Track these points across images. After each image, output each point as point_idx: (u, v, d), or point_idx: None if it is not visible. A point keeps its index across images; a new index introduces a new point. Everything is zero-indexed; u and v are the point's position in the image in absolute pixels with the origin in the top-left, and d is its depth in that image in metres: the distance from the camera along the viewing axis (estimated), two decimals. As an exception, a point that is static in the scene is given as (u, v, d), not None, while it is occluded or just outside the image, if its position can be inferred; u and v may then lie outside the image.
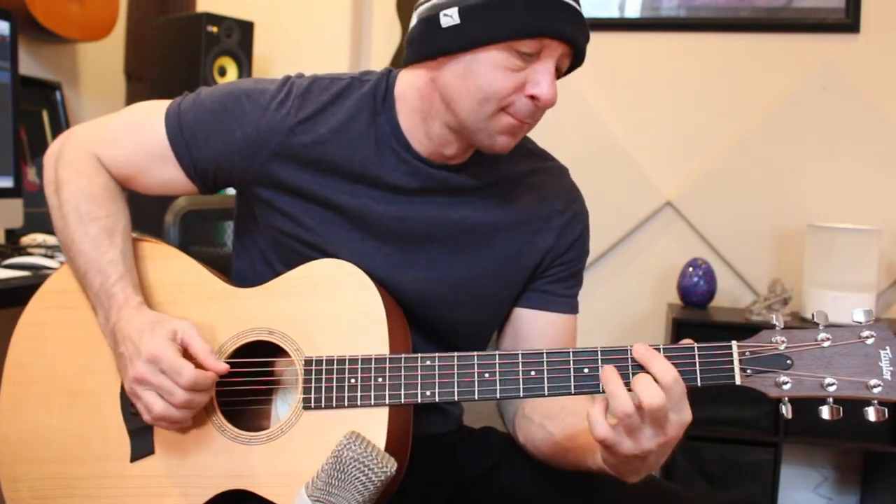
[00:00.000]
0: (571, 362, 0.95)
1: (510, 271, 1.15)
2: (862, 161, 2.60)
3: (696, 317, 2.50)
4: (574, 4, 0.99)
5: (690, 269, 2.58)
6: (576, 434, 1.04)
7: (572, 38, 0.99)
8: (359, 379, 0.99)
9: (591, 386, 0.94)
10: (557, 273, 1.17)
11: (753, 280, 2.69)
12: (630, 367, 0.92)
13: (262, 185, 1.10)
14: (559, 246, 1.16)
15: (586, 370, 0.94)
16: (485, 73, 0.99)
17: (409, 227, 1.10)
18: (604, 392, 0.92)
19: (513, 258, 1.14)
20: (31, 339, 1.14)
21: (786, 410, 0.91)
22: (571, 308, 1.19)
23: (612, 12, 2.77)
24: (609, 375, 0.90)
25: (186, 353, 0.99)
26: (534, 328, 1.17)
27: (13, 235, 2.05)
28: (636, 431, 0.88)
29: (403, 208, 1.09)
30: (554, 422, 1.08)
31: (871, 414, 0.89)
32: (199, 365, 0.98)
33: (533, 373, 0.96)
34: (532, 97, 0.99)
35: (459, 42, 0.99)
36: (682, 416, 0.88)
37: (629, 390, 0.89)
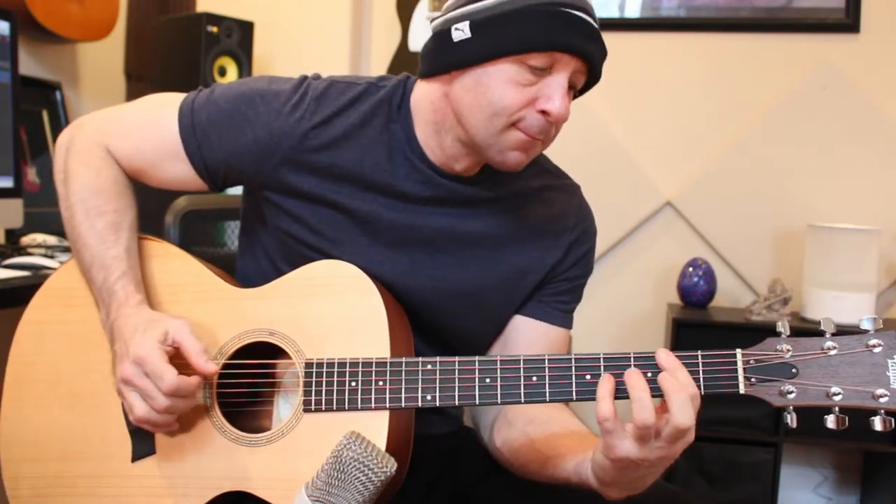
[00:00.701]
0: (573, 368, 0.94)
1: (516, 285, 1.14)
2: (862, 161, 2.60)
3: (696, 317, 2.50)
4: (587, 18, 0.98)
5: (690, 269, 2.58)
6: (558, 441, 1.02)
7: (584, 52, 0.98)
8: (359, 382, 0.99)
9: (592, 392, 0.92)
10: (559, 286, 1.17)
11: (753, 280, 2.69)
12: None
13: (272, 187, 1.10)
14: (565, 262, 1.16)
15: (588, 377, 0.93)
16: (495, 86, 0.98)
17: (418, 236, 1.09)
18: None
19: (520, 272, 1.14)
20: (34, 337, 1.14)
21: (790, 419, 0.89)
22: (565, 322, 1.18)
23: (612, 12, 2.78)
24: (636, 380, 0.87)
25: (179, 354, 0.99)
26: (525, 336, 1.16)
27: (13, 235, 2.05)
28: (645, 440, 0.86)
29: (414, 217, 1.09)
30: (537, 428, 1.07)
31: (878, 424, 0.87)
32: (188, 365, 0.97)
33: (534, 378, 0.95)
34: (543, 112, 0.98)
35: (470, 56, 0.98)
36: (689, 435, 0.86)
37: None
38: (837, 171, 2.62)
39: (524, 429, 1.08)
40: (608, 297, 2.80)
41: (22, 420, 1.11)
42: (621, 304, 2.81)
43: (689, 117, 2.73)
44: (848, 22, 2.60)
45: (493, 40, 0.97)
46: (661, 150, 2.76)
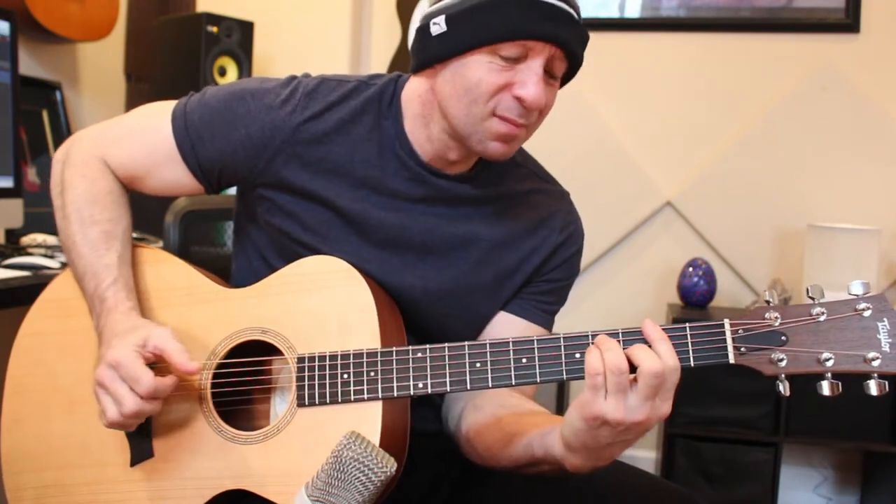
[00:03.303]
0: (562, 347, 0.94)
1: (503, 286, 1.15)
2: (862, 161, 2.60)
3: (696, 317, 2.49)
4: (561, 5, 0.97)
5: (690, 269, 2.58)
6: (525, 419, 1.02)
7: (556, 38, 0.97)
8: (351, 374, 0.99)
9: (582, 371, 0.90)
10: (540, 286, 1.17)
11: (753, 280, 2.69)
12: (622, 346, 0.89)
13: (266, 184, 1.11)
14: (550, 263, 1.16)
15: (577, 355, 0.93)
16: (472, 75, 0.99)
17: (407, 236, 1.10)
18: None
19: (507, 274, 1.14)
20: (31, 349, 1.14)
21: (783, 388, 0.88)
22: (545, 322, 1.18)
23: (612, 12, 2.78)
24: (604, 336, 0.88)
25: (161, 361, 0.99)
26: (503, 331, 1.15)
27: (13, 235, 2.05)
28: (621, 393, 0.84)
29: (403, 216, 1.10)
30: (506, 410, 1.07)
31: (873, 388, 0.86)
32: (173, 368, 0.98)
33: (524, 360, 0.95)
34: (518, 98, 0.99)
35: (447, 49, 1.00)
36: (664, 406, 0.86)
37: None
38: (837, 171, 2.62)
39: (493, 412, 1.08)
40: (608, 297, 2.80)
41: (21, 432, 1.12)
42: (621, 304, 2.81)
43: (689, 117, 2.73)
44: (848, 22, 2.60)
45: (466, 33, 0.98)
46: (661, 150, 2.76)
